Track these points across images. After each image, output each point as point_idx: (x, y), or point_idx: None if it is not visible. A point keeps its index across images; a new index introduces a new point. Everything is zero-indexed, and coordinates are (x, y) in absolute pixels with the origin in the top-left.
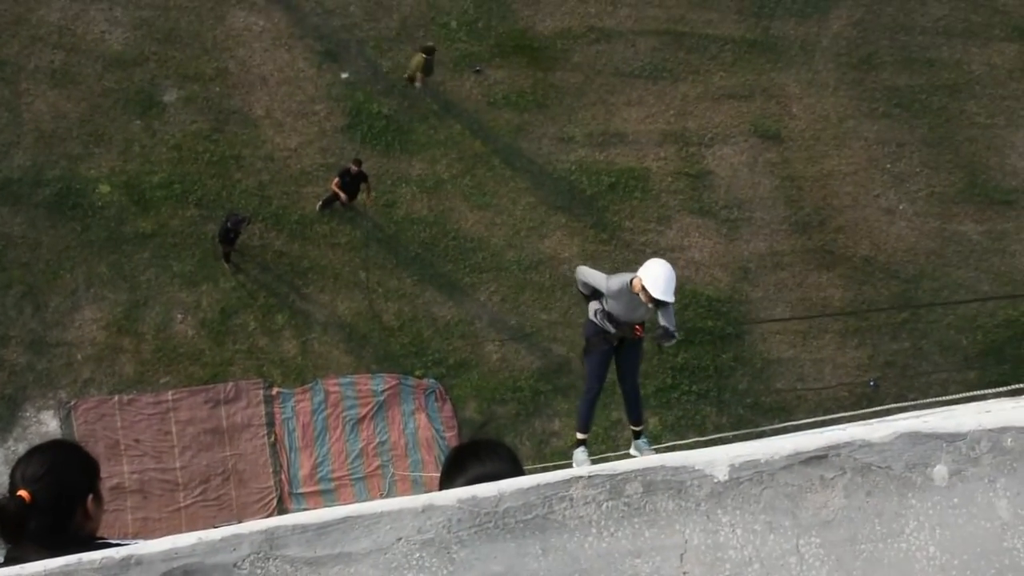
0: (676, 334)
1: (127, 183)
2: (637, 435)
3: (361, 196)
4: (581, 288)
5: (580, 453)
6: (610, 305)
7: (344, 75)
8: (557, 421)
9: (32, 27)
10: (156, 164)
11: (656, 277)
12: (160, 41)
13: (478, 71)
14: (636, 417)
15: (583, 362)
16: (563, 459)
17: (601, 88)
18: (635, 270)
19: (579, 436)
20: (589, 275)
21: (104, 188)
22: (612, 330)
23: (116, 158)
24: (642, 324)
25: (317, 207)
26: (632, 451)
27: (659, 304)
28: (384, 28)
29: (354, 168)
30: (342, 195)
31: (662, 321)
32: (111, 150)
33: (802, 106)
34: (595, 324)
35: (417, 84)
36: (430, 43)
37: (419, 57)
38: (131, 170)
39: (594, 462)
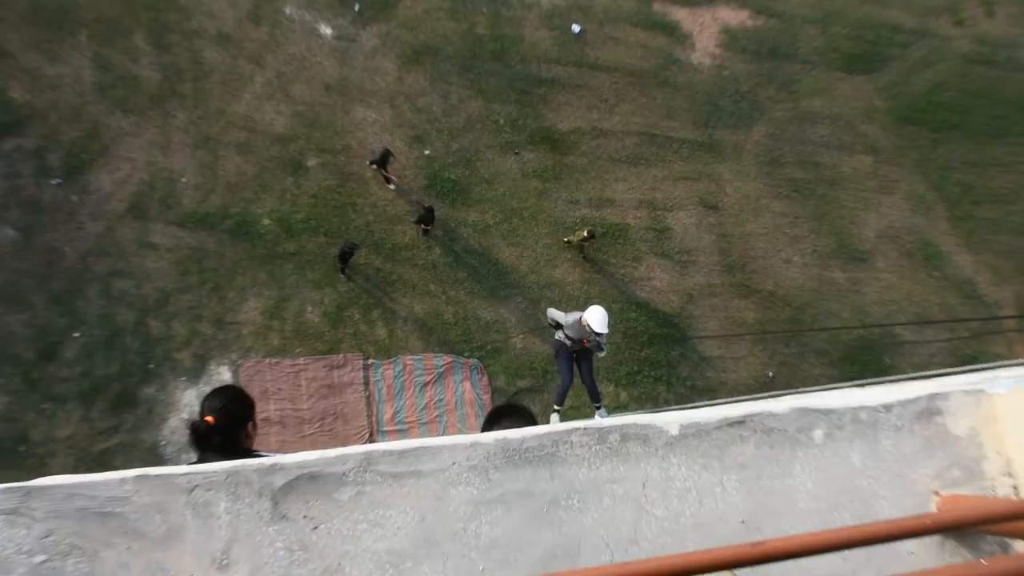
0: (604, 348)
1: (280, 219)
2: (598, 408)
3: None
4: (550, 322)
5: (554, 416)
6: (568, 331)
7: (427, 152)
8: (594, 415)
9: (228, 115)
10: (300, 207)
11: (595, 318)
12: (307, 125)
13: (517, 153)
14: (595, 399)
15: (557, 362)
16: (562, 417)
17: (599, 168)
18: (586, 308)
19: (555, 407)
20: (555, 314)
21: (266, 221)
22: (569, 343)
23: (275, 202)
24: (587, 341)
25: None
26: (596, 416)
27: (597, 334)
28: (455, 122)
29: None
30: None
31: (601, 341)
32: (271, 196)
33: (732, 188)
34: (560, 342)
35: (576, 243)
36: (592, 229)
37: (582, 233)
38: (284, 210)
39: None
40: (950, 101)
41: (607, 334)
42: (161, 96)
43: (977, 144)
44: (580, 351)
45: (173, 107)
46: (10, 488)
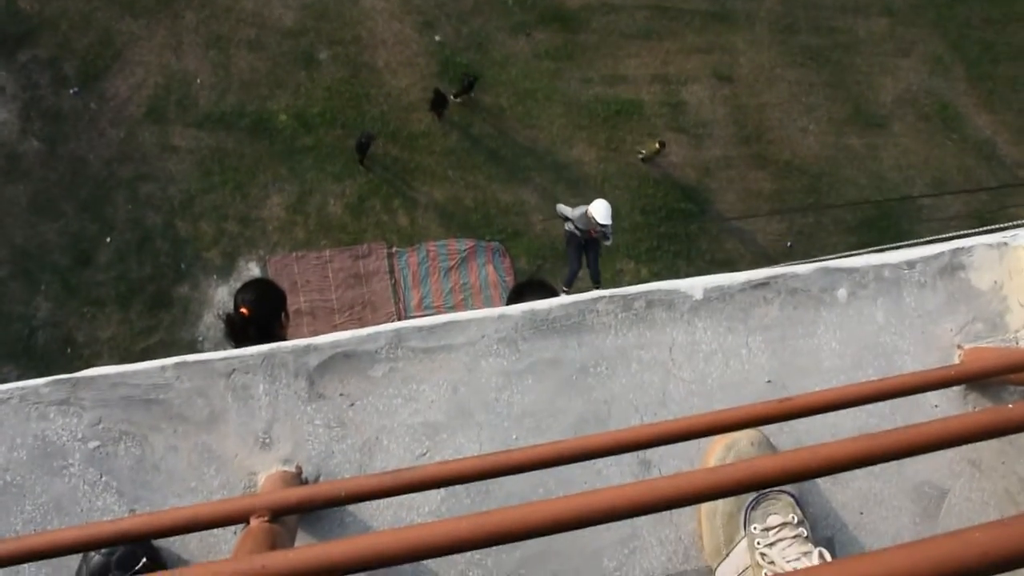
0: (611, 238)
1: (297, 114)
2: (596, 286)
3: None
4: (559, 215)
5: (563, 295)
6: (577, 223)
7: (437, 38)
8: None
9: (236, 12)
10: (315, 101)
11: (599, 211)
12: (316, 18)
13: (528, 34)
14: (596, 280)
15: (567, 249)
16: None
17: (611, 45)
18: (596, 199)
19: (564, 290)
20: (563, 208)
21: (283, 117)
22: (578, 233)
23: (290, 97)
24: (594, 232)
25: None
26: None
27: (602, 225)
28: (463, 5)
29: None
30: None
31: (607, 231)
32: (286, 92)
33: (746, 58)
34: (569, 231)
35: (649, 156)
36: (663, 140)
37: (654, 145)
38: (299, 105)
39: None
40: None
41: (612, 225)
42: None
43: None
44: (588, 240)
45: (181, 7)
46: (58, 380)
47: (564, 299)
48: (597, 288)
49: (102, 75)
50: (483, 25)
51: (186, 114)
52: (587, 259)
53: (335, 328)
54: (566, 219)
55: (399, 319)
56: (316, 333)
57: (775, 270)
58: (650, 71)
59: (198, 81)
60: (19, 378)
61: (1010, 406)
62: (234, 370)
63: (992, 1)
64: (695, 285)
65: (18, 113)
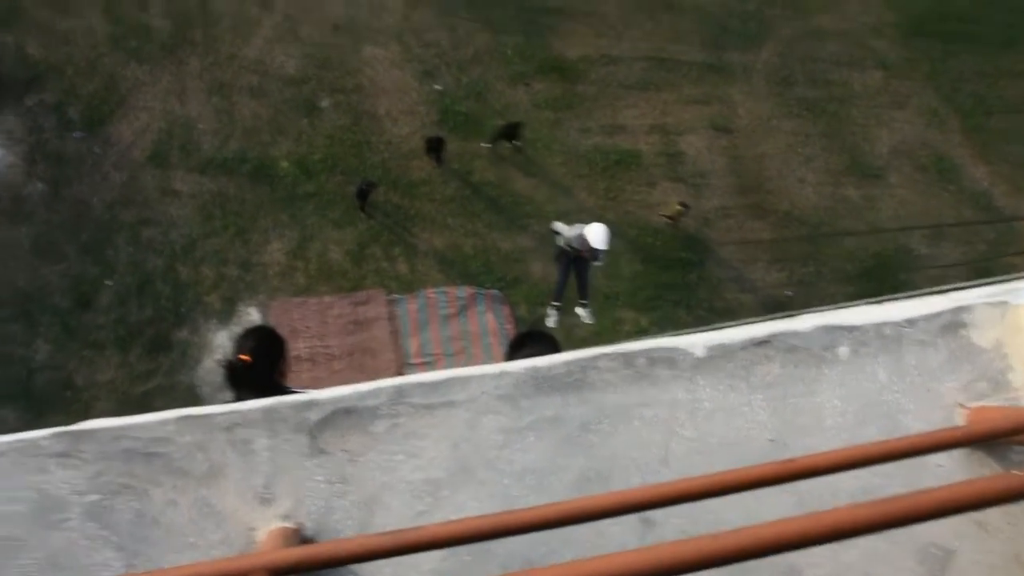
0: (601, 260)
1: (298, 160)
2: (584, 305)
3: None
4: (553, 230)
5: (551, 312)
6: (571, 242)
7: (437, 86)
8: (577, 319)
9: (240, 59)
10: (316, 148)
11: (597, 236)
12: (318, 66)
13: (527, 84)
14: (583, 296)
15: (556, 265)
16: (583, 344)
17: (609, 95)
18: (588, 223)
19: (553, 303)
20: (559, 226)
21: (284, 164)
22: (569, 250)
23: (291, 144)
24: (585, 252)
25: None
26: (578, 310)
27: (598, 251)
28: (463, 55)
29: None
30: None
31: (600, 256)
32: (288, 139)
33: (744, 109)
34: (560, 247)
35: (672, 218)
36: (684, 201)
37: (676, 207)
38: (300, 152)
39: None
40: (959, 11)
41: (605, 250)
42: (173, 44)
43: (988, 54)
44: (578, 257)
45: (185, 54)
46: (60, 432)
47: (565, 356)
48: (583, 304)
49: (107, 120)
50: (482, 74)
51: (189, 159)
52: (576, 275)
53: (334, 374)
54: (558, 234)
55: (399, 366)
56: (316, 379)
57: (776, 327)
58: (648, 121)
59: (201, 127)
60: (17, 420)
61: (1016, 472)
62: (235, 424)
63: (984, 55)
64: (696, 343)
65: (24, 156)
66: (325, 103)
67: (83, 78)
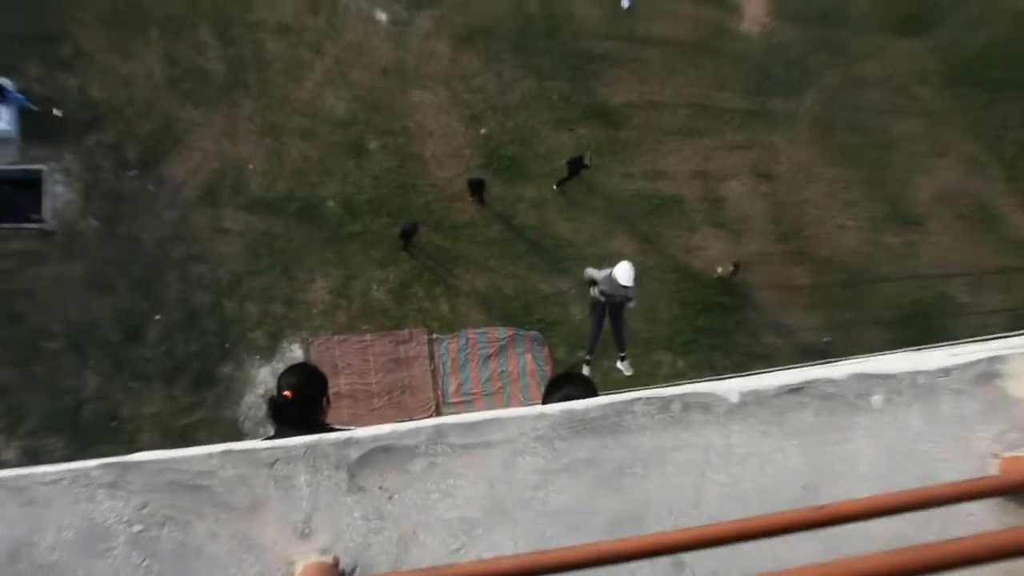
0: (634, 300)
1: (344, 201)
2: (622, 358)
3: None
4: (586, 279)
5: (585, 368)
6: (602, 286)
7: (483, 131)
8: (616, 363)
9: (291, 102)
10: (362, 189)
11: (622, 272)
12: (367, 109)
13: (571, 129)
14: (621, 348)
15: (590, 317)
16: (620, 386)
17: (652, 141)
18: (618, 263)
19: (586, 358)
20: (591, 272)
21: (331, 204)
22: (603, 299)
23: (338, 185)
24: (619, 297)
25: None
26: (618, 364)
27: (623, 287)
28: (509, 100)
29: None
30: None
31: (629, 294)
32: (335, 179)
33: (785, 156)
34: (595, 298)
35: (726, 277)
36: (738, 261)
37: (730, 266)
38: (347, 192)
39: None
40: (1004, 59)
41: (634, 287)
42: (227, 87)
43: None
44: (613, 305)
45: (239, 97)
46: (108, 463)
47: (601, 400)
48: (621, 358)
49: (161, 159)
50: (527, 120)
51: (238, 198)
52: (612, 326)
53: (373, 412)
54: (593, 283)
55: (437, 404)
56: (356, 416)
57: (810, 373)
58: (690, 167)
59: (251, 167)
60: (65, 449)
61: None
62: (277, 460)
63: None
64: (731, 389)
65: (81, 193)
66: (372, 145)
67: (140, 119)
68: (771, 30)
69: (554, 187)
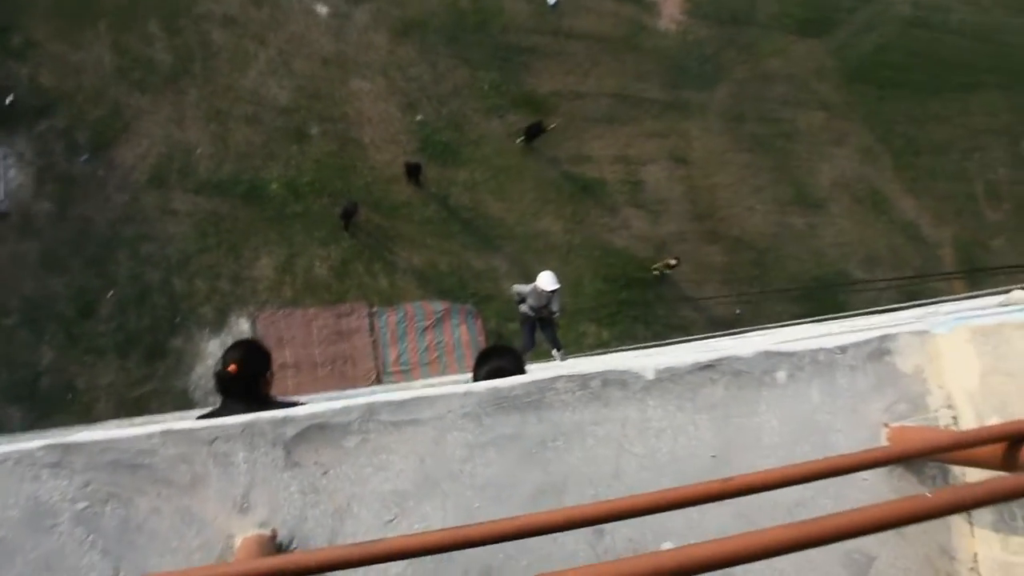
0: (558, 312)
1: (288, 183)
2: (556, 351)
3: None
4: (515, 295)
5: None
6: (529, 301)
7: (419, 117)
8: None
9: (236, 90)
10: (305, 171)
11: (545, 279)
12: (309, 97)
13: (501, 116)
14: (556, 348)
15: (521, 329)
16: (548, 357)
17: (577, 128)
18: (540, 272)
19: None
20: (518, 288)
21: (275, 186)
22: (532, 314)
23: (282, 168)
24: (546, 310)
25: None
26: (553, 353)
27: (550, 292)
28: (443, 89)
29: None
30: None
31: (554, 306)
32: (279, 163)
33: (699, 143)
34: (523, 313)
35: (664, 271)
36: (677, 256)
37: (668, 261)
38: (290, 175)
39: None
40: (893, 61)
41: (558, 290)
42: (174, 76)
43: (918, 100)
44: (542, 319)
45: (186, 85)
46: (51, 444)
47: (525, 378)
48: (556, 349)
49: (111, 144)
50: (460, 107)
51: (186, 181)
52: (544, 335)
53: (317, 380)
54: (521, 300)
55: (378, 373)
56: (300, 385)
57: (721, 351)
58: (612, 152)
59: (198, 151)
60: (23, 419)
61: (928, 495)
62: (216, 438)
63: (914, 101)
64: (647, 366)
65: (34, 177)
66: (314, 131)
67: (90, 106)
68: (686, 28)
69: (518, 140)
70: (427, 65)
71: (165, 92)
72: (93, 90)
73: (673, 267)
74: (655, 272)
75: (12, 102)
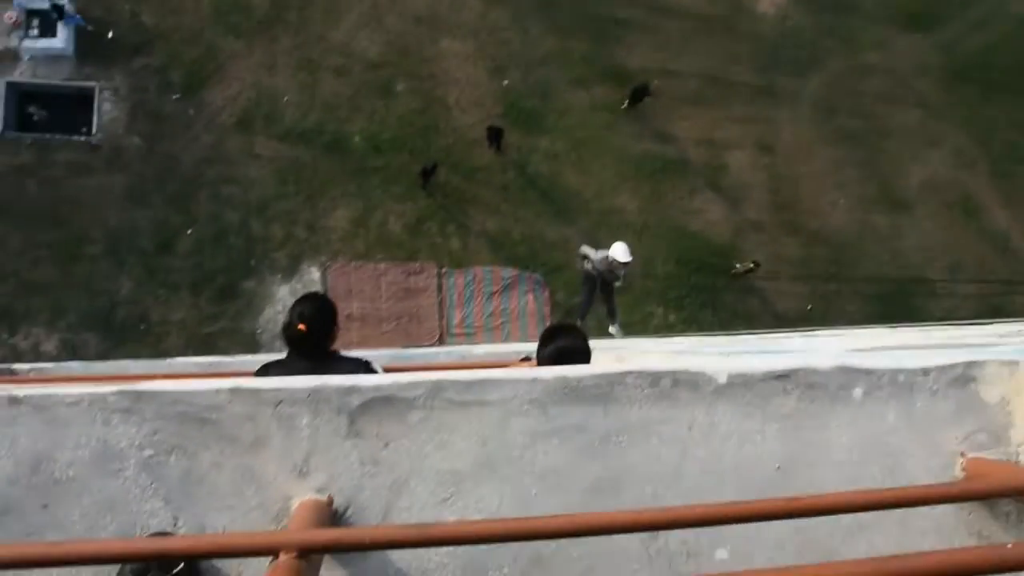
0: (623, 279)
1: (370, 137)
2: (614, 324)
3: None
4: (580, 254)
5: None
6: (596, 264)
7: (505, 82)
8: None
9: (327, 41)
10: (387, 127)
11: (619, 251)
12: (398, 53)
13: (588, 88)
14: (613, 318)
15: (582, 288)
16: (610, 337)
17: (663, 106)
18: (615, 242)
19: (578, 322)
20: (586, 249)
21: (357, 139)
22: (595, 273)
23: (365, 122)
24: (612, 274)
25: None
26: (610, 329)
27: (623, 264)
28: (532, 56)
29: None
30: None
31: (626, 271)
32: (363, 116)
33: (788, 132)
34: (586, 271)
35: (745, 272)
36: (758, 260)
37: (749, 263)
38: (373, 129)
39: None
40: (1002, 62)
41: (630, 263)
42: (269, 22)
43: None
44: (603, 280)
45: (279, 32)
46: (123, 390)
47: (595, 368)
48: (612, 322)
49: (203, 85)
50: (548, 75)
51: (271, 127)
52: (603, 296)
53: (382, 335)
54: (586, 258)
55: (441, 334)
56: (365, 337)
57: (797, 361)
58: (697, 134)
59: (285, 99)
60: (98, 346)
61: (1009, 546)
62: (282, 401)
63: (1019, 105)
64: (720, 369)
65: (127, 112)
66: (400, 87)
67: (186, 46)
68: (785, 13)
69: (623, 106)
70: (518, 30)
71: (259, 38)
72: (190, 31)
73: (753, 270)
74: (734, 272)
75: (113, 38)
